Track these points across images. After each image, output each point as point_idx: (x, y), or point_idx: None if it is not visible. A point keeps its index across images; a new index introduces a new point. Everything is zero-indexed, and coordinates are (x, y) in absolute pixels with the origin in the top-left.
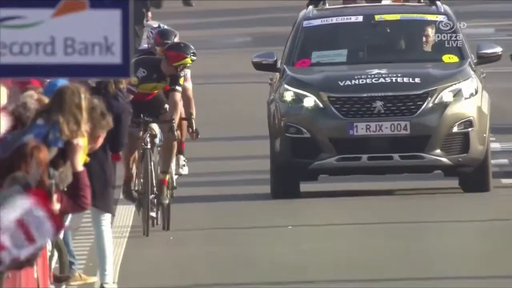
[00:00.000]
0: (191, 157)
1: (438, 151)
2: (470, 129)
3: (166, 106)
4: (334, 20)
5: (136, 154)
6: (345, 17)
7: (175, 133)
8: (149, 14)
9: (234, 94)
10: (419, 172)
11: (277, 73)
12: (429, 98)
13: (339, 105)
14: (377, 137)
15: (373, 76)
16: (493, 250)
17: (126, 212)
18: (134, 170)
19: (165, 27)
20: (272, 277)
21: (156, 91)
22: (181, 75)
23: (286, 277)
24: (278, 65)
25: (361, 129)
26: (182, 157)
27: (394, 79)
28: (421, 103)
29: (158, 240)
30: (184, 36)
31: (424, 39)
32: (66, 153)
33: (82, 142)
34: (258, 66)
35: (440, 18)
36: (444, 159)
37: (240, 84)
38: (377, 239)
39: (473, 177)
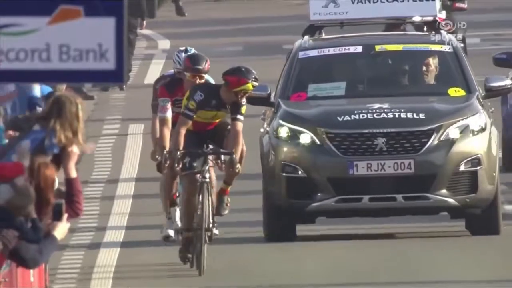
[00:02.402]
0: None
1: (444, 191)
2: (478, 168)
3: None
4: (331, 50)
5: (196, 200)
6: (344, 48)
7: (236, 166)
8: (144, 23)
9: None
10: (424, 214)
11: (271, 107)
12: (435, 135)
13: (338, 142)
14: (379, 177)
15: (374, 111)
16: None
17: (111, 253)
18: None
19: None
20: None
21: (218, 120)
22: (243, 103)
23: None
24: (272, 98)
25: (361, 168)
26: (226, 197)
27: (397, 114)
28: (426, 140)
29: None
30: (177, 45)
31: (424, 68)
32: (60, 159)
33: (77, 150)
34: (250, 100)
35: (445, 48)
36: (451, 200)
37: None
38: (377, 286)
39: (482, 219)
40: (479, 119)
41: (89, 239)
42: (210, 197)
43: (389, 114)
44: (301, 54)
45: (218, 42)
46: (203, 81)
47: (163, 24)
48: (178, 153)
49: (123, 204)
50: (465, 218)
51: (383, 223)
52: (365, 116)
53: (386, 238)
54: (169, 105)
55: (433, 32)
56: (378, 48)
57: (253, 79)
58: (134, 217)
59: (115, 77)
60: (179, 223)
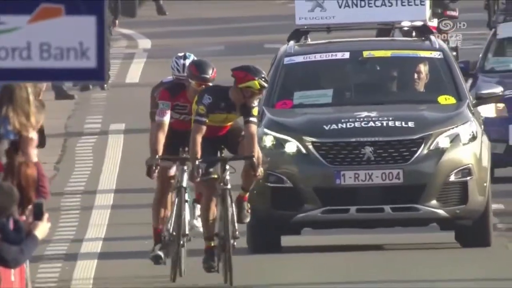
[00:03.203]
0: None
1: (433, 202)
2: (468, 178)
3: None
4: (318, 56)
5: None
6: (330, 54)
7: (258, 169)
8: (116, 22)
9: None
10: (413, 225)
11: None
12: (424, 144)
13: (324, 151)
14: (366, 187)
15: (362, 119)
16: None
17: (88, 265)
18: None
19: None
20: None
21: (229, 124)
22: (254, 104)
23: None
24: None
25: (349, 178)
26: (246, 203)
27: (385, 122)
28: (415, 149)
29: None
30: (158, 44)
31: (416, 76)
32: (19, 145)
33: (33, 135)
34: None
35: (435, 54)
36: (441, 211)
37: None
38: None
39: (472, 230)
40: (469, 127)
41: (65, 250)
42: (232, 204)
43: (377, 122)
44: (286, 60)
45: (200, 41)
46: None
47: (144, 24)
48: (197, 162)
49: (101, 214)
50: (454, 229)
51: (371, 234)
52: (353, 124)
53: (374, 249)
54: (168, 110)
55: (423, 38)
56: (366, 54)
57: (262, 79)
58: (112, 228)
59: (96, 75)
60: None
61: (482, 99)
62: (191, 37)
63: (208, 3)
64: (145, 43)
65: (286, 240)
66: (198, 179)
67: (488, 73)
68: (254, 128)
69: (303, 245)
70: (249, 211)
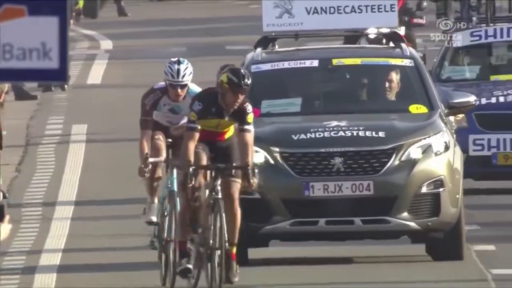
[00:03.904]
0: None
1: (405, 214)
2: (441, 190)
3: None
4: (286, 64)
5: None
6: (299, 61)
7: (251, 180)
8: (71, 21)
9: None
10: (384, 238)
11: None
12: (395, 155)
13: (292, 162)
14: (336, 199)
15: (331, 129)
16: None
17: (47, 278)
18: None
19: (185, 61)
20: None
21: (225, 131)
22: (248, 110)
23: None
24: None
25: (318, 189)
26: None
27: (355, 132)
28: (386, 160)
29: None
30: (120, 45)
31: (387, 84)
32: None
33: None
34: None
35: (406, 62)
36: (412, 224)
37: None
38: None
39: (444, 243)
40: (442, 138)
41: (23, 262)
42: (223, 215)
43: (347, 132)
44: (253, 68)
45: (161, 42)
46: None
47: (106, 25)
48: (190, 169)
49: (61, 225)
50: (426, 242)
51: (340, 246)
52: (322, 134)
53: (344, 262)
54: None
55: (393, 45)
56: (335, 62)
57: (231, 72)
58: (72, 239)
59: (58, 76)
60: (153, 218)
61: (454, 108)
62: (153, 38)
63: (170, 4)
64: (106, 44)
65: (253, 253)
66: (190, 185)
67: (444, 82)
68: (249, 137)
69: (271, 258)
70: (238, 271)
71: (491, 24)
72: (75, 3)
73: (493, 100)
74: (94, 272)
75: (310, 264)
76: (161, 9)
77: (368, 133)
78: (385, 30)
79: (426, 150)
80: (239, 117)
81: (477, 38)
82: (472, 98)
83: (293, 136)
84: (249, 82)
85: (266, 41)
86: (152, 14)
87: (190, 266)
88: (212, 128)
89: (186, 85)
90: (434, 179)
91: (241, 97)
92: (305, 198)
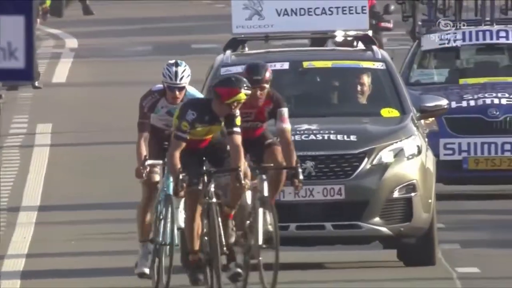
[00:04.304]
0: None
1: (377, 219)
2: (413, 194)
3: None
4: None
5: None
6: (269, 64)
7: (243, 182)
8: (38, 20)
9: (135, 101)
10: (355, 243)
11: None
12: (367, 159)
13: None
14: (307, 203)
15: (302, 132)
16: None
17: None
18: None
19: (183, 63)
20: None
21: (210, 136)
22: (237, 114)
23: None
24: None
25: (288, 193)
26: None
27: (326, 136)
28: (358, 164)
29: None
30: (85, 44)
31: (359, 88)
32: None
33: None
34: None
35: (377, 65)
36: (384, 229)
37: (142, 91)
38: None
39: (416, 249)
40: (413, 142)
41: None
42: (218, 219)
43: (318, 136)
44: (223, 71)
45: (127, 41)
46: (264, 92)
47: (71, 23)
48: (181, 176)
49: (25, 229)
50: (398, 248)
51: (311, 251)
52: (293, 138)
53: (314, 267)
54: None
55: (364, 48)
56: (306, 64)
57: (245, 88)
58: (36, 244)
59: (24, 75)
60: (146, 270)
61: (426, 112)
62: (118, 37)
63: (135, 3)
64: (72, 43)
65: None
66: (182, 192)
67: (413, 85)
68: (238, 139)
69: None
70: (234, 229)
71: (459, 27)
72: (43, 2)
73: (464, 104)
74: (60, 277)
75: (280, 270)
76: (126, 8)
77: (339, 137)
78: (352, 33)
79: (398, 154)
80: (228, 120)
81: (446, 41)
82: (444, 102)
83: None
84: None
85: (235, 43)
86: (117, 13)
87: (240, 270)
88: (199, 136)
89: (184, 87)
90: (406, 183)
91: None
92: (276, 202)
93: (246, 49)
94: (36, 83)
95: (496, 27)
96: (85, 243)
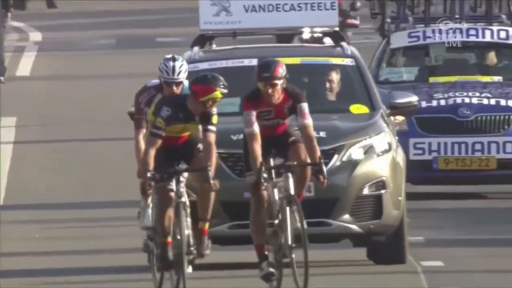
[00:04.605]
0: None
1: (346, 216)
2: (383, 191)
3: (200, 145)
4: (224, 63)
5: (171, 211)
6: (237, 60)
7: (211, 182)
8: (9, 15)
9: (99, 94)
10: (324, 241)
11: None
12: (336, 155)
13: (232, 163)
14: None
15: None
16: None
17: None
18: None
19: (180, 58)
20: None
21: (187, 134)
22: (214, 112)
23: None
24: None
25: None
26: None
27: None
28: (327, 161)
29: None
30: (49, 37)
31: (328, 85)
32: None
33: None
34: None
35: (347, 61)
36: (354, 226)
37: (107, 84)
38: None
39: (386, 247)
40: (384, 138)
41: None
42: (187, 219)
43: None
44: (190, 67)
45: (91, 35)
46: (276, 89)
47: (34, 17)
48: (149, 174)
49: None
50: (368, 246)
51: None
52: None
53: (284, 266)
54: (254, 118)
55: (334, 44)
56: None
57: (221, 86)
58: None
59: None
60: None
61: (396, 109)
62: (82, 30)
63: None
64: (35, 36)
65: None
66: (150, 191)
67: (382, 84)
68: (212, 137)
69: (209, 263)
70: (210, 245)
71: (429, 25)
72: None
73: (434, 103)
74: (25, 277)
75: (250, 269)
76: (90, 1)
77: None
78: (319, 29)
79: (368, 150)
80: (205, 118)
81: (415, 39)
82: (414, 98)
83: (232, 136)
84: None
85: (203, 40)
86: (81, 6)
87: (273, 269)
88: (175, 133)
89: (181, 82)
90: (376, 180)
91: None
92: (245, 200)
93: (214, 45)
94: (1, 79)
95: (466, 25)
96: (51, 243)
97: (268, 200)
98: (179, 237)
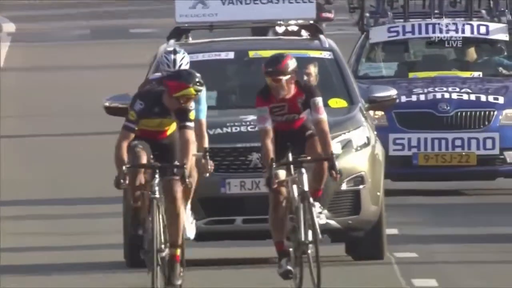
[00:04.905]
0: None
1: (325, 212)
2: (361, 187)
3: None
4: (200, 56)
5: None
6: (214, 53)
7: (187, 180)
8: None
9: (75, 85)
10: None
11: None
12: None
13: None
14: (253, 196)
15: (248, 123)
16: None
17: None
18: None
19: (182, 51)
20: None
21: (167, 129)
22: (190, 108)
23: None
24: None
25: (234, 186)
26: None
27: None
28: (305, 156)
29: None
30: (25, 28)
31: (305, 78)
32: None
33: None
34: (111, 110)
35: (325, 54)
36: (332, 222)
37: (82, 76)
38: None
39: (365, 242)
40: (362, 133)
41: None
42: (160, 215)
43: None
44: None
45: (65, 25)
46: (281, 84)
47: (8, 8)
48: (124, 168)
49: None
50: (346, 241)
51: (258, 246)
52: (238, 129)
53: (261, 262)
54: (268, 115)
55: (311, 37)
56: (252, 54)
57: (196, 84)
58: None
59: None
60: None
61: (375, 103)
62: (56, 21)
63: None
64: (9, 27)
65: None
66: (124, 186)
67: (362, 79)
68: (189, 134)
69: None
70: (182, 274)
71: (408, 20)
72: None
73: (414, 98)
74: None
75: (226, 266)
76: None
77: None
78: (294, 22)
79: (346, 145)
80: (181, 114)
81: (395, 34)
82: (393, 92)
83: (208, 131)
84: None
85: (179, 33)
86: None
87: (290, 267)
88: (153, 127)
89: None
90: (355, 175)
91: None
92: (221, 195)
93: (190, 38)
94: None
95: (445, 20)
96: (16, 238)
97: (287, 196)
98: (150, 236)
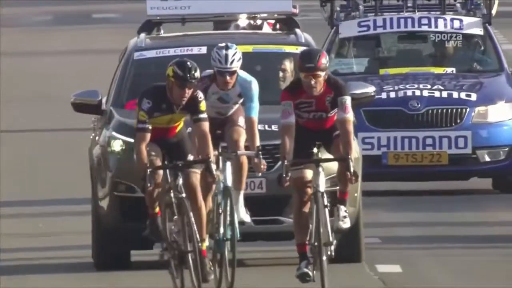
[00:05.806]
0: None
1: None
2: (338, 187)
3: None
4: (172, 51)
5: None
6: (186, 48)
7: (214, 173)
8: None
9: (40, 71)
10: (277, 239)
11: (103, 116)
12: None
13: None
14: (253, 196)
15: None
16: None
17: None
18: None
19: (234, 46)
20: None
21: (177, 125)
22: (200, 98)
23: None
24: (104, 106)
25: None
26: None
27: None
28: (279, 155)
29: None
30: None
31: (281, 74)
32: None
33: None
34: (79, 107)
35: (301, 49)
36: None
37: (45, 62)
38: None
39: (342, 245)
40: None
41: None
42: (190, 214)
43: None
44: (136, 55)
45: (28, 11)
46: (319, 80)
47: None
48: (148, 171)
49: None
50: None
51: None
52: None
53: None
54: (292, 110)
55: (286, 31)
56: None
57: (177, 65)
58: None
59: None
60: None
61: (353, 100)
62: (19, 7)
63: None
64: None
65: (137, 255)
66: (150, 189)
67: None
68: (205, 125)
69: (156, 261)
70: (212, 268)
71: (380, 14)
72: None
73: (384, 95)
74: None
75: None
76: None
77: (260, 126)
78: (261, 16)
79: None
80: (191, 107)
81: (365, 28)
82: (371, 89)
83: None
84: (197, 75)
85: (150, 26)
86: None
87: (307, 270)
88: (163, 124)
89: (235, 71)
90: (331, 176)
91: (189, 92)
92: None
93: (162, 32)
94: None
95: (418, 14)
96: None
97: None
98: (177, 236)
